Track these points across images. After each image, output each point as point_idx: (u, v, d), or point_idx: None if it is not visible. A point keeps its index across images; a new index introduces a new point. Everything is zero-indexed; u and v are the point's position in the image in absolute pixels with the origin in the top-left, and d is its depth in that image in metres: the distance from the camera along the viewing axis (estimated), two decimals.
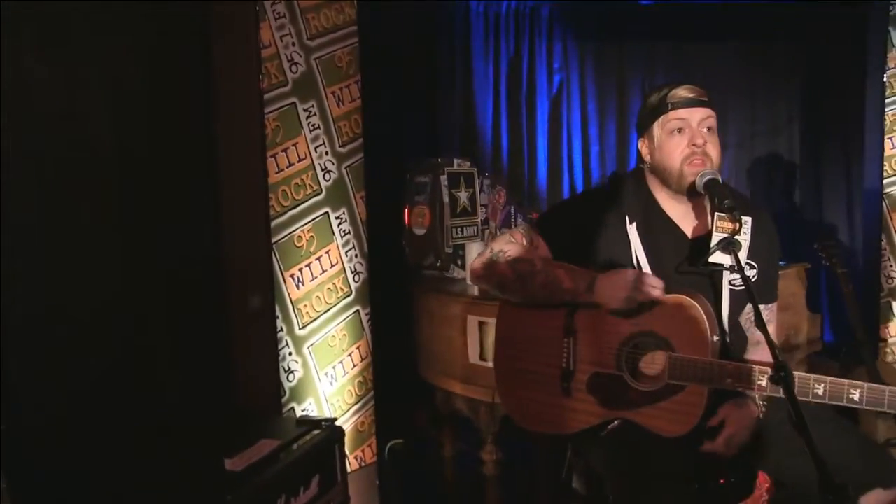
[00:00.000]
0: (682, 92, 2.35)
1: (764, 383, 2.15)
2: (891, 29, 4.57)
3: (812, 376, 2.09)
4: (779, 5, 5.36)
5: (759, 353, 2.38)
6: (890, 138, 4.59)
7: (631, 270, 2.28)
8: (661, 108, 2.35)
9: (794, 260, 3.95)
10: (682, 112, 2.34)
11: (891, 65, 4.59)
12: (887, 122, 4.58)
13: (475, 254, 3.86)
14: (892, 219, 4.57)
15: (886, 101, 4.59)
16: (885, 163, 4.58)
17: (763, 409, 2.31)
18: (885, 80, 4.60)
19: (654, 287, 2.22)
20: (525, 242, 2.44)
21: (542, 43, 5.28)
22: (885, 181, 4.58)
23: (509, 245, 2.45)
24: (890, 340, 4.60)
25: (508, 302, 2.50)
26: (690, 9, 5.35)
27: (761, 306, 2.19)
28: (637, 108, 5.47)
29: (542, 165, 5.35)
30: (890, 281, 4.62)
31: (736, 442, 2.27)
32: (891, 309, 4.62)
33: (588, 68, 5.37)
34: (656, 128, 2.36)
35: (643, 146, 2.41)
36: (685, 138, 2.34)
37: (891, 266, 4.61)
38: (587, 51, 5.39)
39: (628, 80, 5.45)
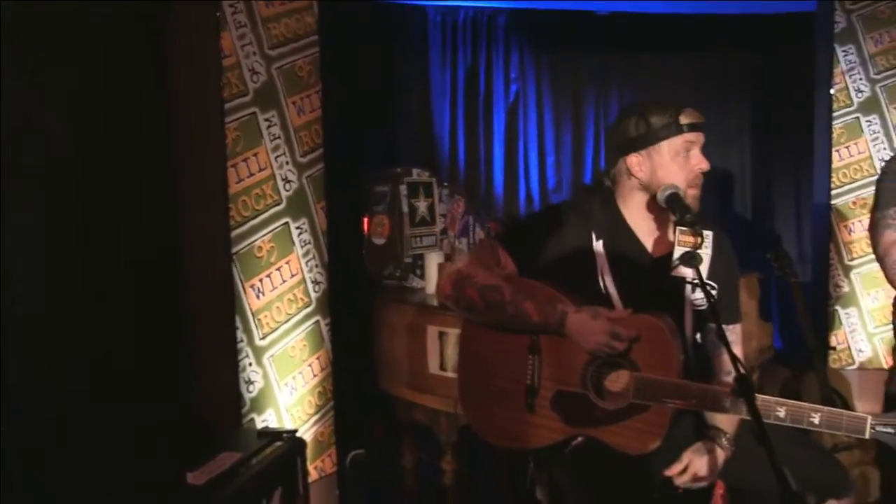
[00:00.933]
0: (693, 116, 2.36)
1: (728, 404, 2.17)
2: (836, 45, 4.66)
3: (774, 399, 2.12)
4: (730, 17, 5.43)
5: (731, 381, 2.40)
6: (837, 151, 4.67)
7: (603, 315, 2.28)
8: (673, 130, 2.34)
9: (745, 270, 3.98)
10: (691, 135, 2.36)
11: (837, 80, 4.68)
12: (834, 135, 4.67)
13: (434, 263, 3.87)
14: (839, 229, 4.65)
15: (833, 114, 4.68)
16: (832, 175, 4.66)
17: (730, 451, 2.33)
18: (832, 93, 4.68)
19: (627, 336, 2.25)
20: (492, 263, 2.43)
21: (498, 52, 5.30)
22: (832, 192, 4.66)
23: (476, 267, 2.43)
24: (838, 347, 4.68)
25: (472, 320, 2.49)
26: (643, 19, 5.41)
27: (725, 327, 2.21)
28: (592, 118, 5.54)
29: (499, 174, 5.37)
30: (837, 290, 4.69)
31: (699, 483, 2.31)
32: (838, 317, 4.70)
33: (544, 78, 5.40)
34: (664, 147, 2.35)
35: (636, 163, 2.39)
36: (690, 160, 2.36)
37: (838, 275, 4.69)
38: (543, 61, 5.42)
39: (583, 90, 5.49)
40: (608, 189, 2.49)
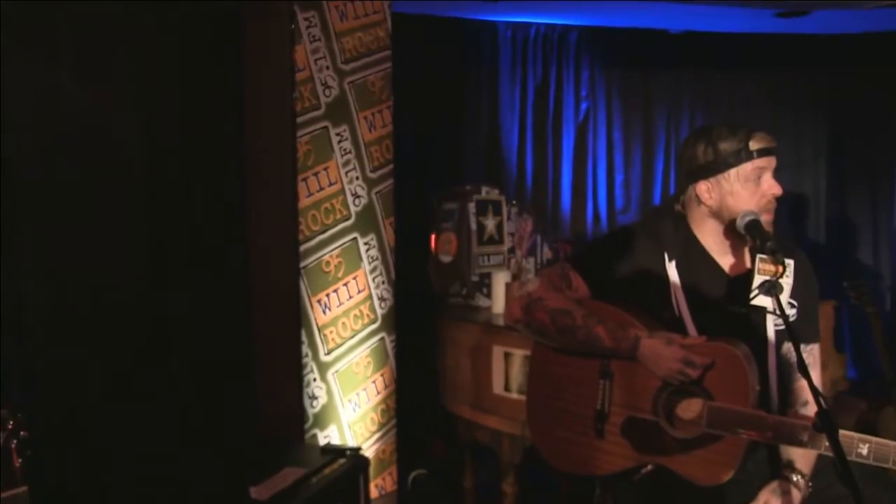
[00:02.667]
0: (764, 140, 2.32)
1: (805, 438, 2.12)
2: None
3: (857, 436, 2.05)
4: (806, 36, 5.34)
5: (807, 412, 2.35)
6: None
7: (676, 342, 2.25)
8: (743, 156, 2.30)
9: (819, 297, 3.91)
10: (762, 161, 2.31)
11: None
12: None
13: (501, 282, 3.86)
14: None
15: None
16: None
17: (809, 491, 2.27)
18: None
19: (700, 363, 2.21)
20: (564, 286, 2.41)
21: (569, 70, 5.28)
22: None
23: (548, 291, 2.41)
24: None
25: (542, 343, 2.48)
26: (717, 38, 5.35)
27: (803, 346, 2.16)
28: (662, 137, 5.48)
29: (567, 193, 5.34)
30: None
31: None
32: None
33: (615, 96, 5.36)
34: (732, 174, 2.32)
35: (705, 190, 2.36)
36: (761, 186, 2.32)
37: None
38: (614, 79, 5.39)
39: (654, 109, 5.44)
40: (679, 212, 2.46)
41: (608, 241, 2.72)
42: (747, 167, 2.30)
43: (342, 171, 3.50)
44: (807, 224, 5.62)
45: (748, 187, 2.31)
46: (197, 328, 3.01)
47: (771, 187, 2.32)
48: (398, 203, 3.71)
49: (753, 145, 2.30)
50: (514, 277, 4.09)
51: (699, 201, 2.37)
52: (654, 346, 2.25)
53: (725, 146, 2.30)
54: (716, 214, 2.36)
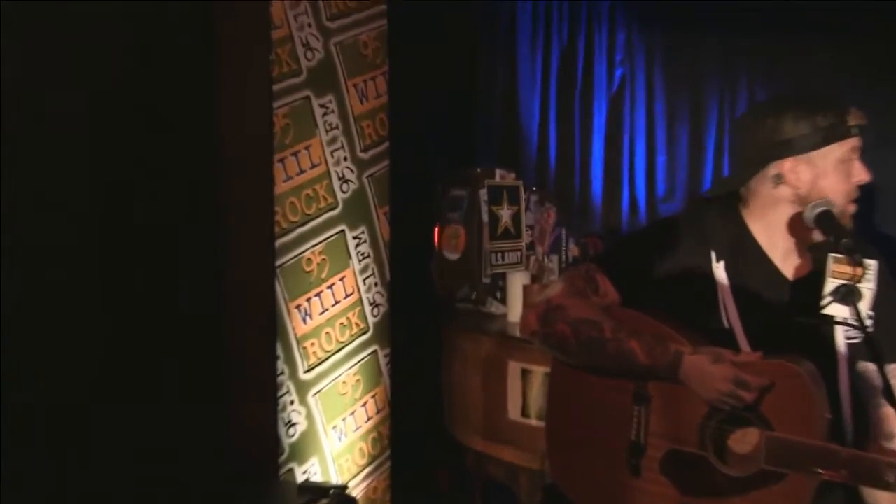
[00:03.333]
0: (859, 117, 2.27)
1: (892, 479, 2.07)
2: None
3: None
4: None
5: (893, 446, 2.31)
6: None
7: (727, 359, 2.20)
8: (842, 132, 2.26)
9: None
10: (856, 140, 2.28)
11: None
12: None
13: (519, 285, 3.87)
14: None
15: None
16: None
17: None
18: None
19: (756, 385, 2.17)
20: (589, 291, 2.38)
21: (601, 32, 5.22)
22: None
23: (570, 297, 2.38)
24: None
25: (563, 360, 2.45)
26: None
27: (887, 367, 2.12)
28: (715, 110, 5.44)
29: (598, 178, 5.28)
30: None
31: None
32: None
33: (657, 62, 5.29)
34: (829, 152, 2.28)
35: (791, 169, 2.30)
36: (852, 170, 2.28)
37: None
38: (656, 41, 5.32)
39: (705, 76, 5.38)
40: (731, 200, 2.43)
41: (643, 237, 2.69)
42: (845, 146, 2.26)
43: (327, 151, 3.49)
44: (890, 216, 5.56)
45: (840, 170, 2.27)
46: (154, 338, 2.99)
47: (860, 173, 2.28)
48: (395, 189, 3.71)
49: (852, 120, 2.26)
50: (535, 279, 4.10)
51: (777, 183, 2.32)
52: (700, 364, 2.21)
53: (823, 118, 2.26)
54: (799, 200, 2.31)
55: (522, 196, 4.20)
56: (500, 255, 4.13)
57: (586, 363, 2.36)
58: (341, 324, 3.55)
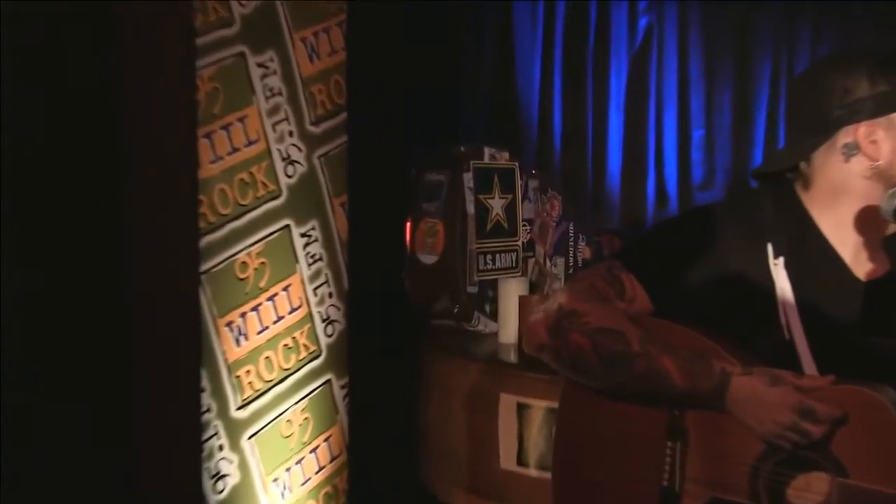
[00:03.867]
0: None
1: None
2: None
3: None
4: None
5: None
6: None
7: (787, 381, 2.19)
8: None
9: None
10: None
11: None
12: None
13: (514, 296, 3.96)
14: None
15: None
16: None
17: None
18: None
19: (826, 416, 2.14)
20: (612, 294, 2.37)
21: None
22: None
23: (589, 302, 2.37)
24: None
25: (579, 382, 2.44)
26: None
27: None
28: (767, 72, 5.44)
29: (615, 158, 5.33)
30: None
31: None
32: None
33: (692, 13, 5.32)
34: None
35: (865, 136, 2.29)
36: None
37: None
38: None
39: (753, 33, 5.40)
40: (786, 180, 2.41)
41: (680, 226, 2.67)
42: None
43: (267, 123, 3.48)
44: None
45: None
46: (40, 364, 2.98)
47: None
48: (354, 173, 3.72)
49: None
50: (534, 288, 4.17)
51: (848, 155, 2.30)
52: (753, 388, 2.19)
53: None
54: (878, 176, 2.30)
55: (519, 182, 4.27)
56: (489, 257, 4.16)
57: (607, 385, 2.35)
58: (285, 346, 3.55)
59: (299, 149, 3.56)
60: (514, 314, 3.90)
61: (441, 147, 4.26)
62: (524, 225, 4.25)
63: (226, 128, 3.39)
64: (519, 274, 4.18)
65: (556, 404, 2.53)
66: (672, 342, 2.28)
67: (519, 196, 4.20)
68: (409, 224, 4.27)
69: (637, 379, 2.29)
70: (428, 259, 4.19)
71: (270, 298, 3.51)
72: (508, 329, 3.93)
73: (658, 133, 5.41)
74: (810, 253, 2.35)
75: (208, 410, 3.38)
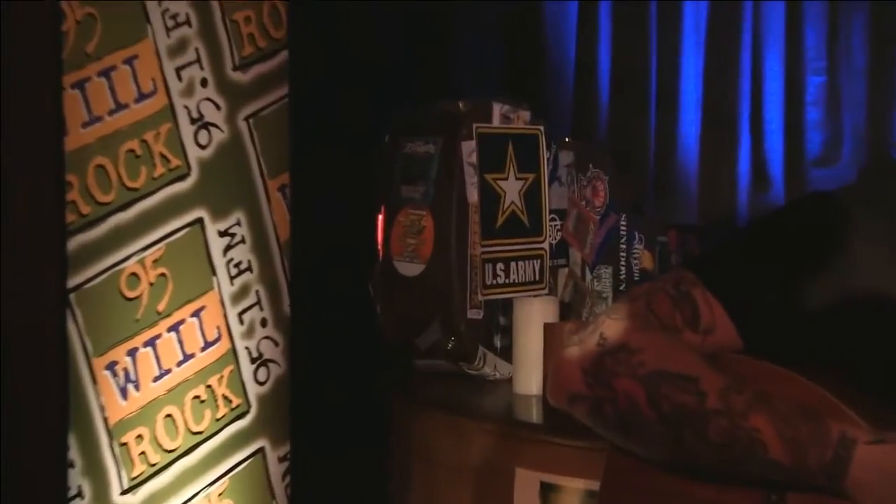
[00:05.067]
0: None
1: None
2: None
3: None
4: None
5: None
6: None
7: None
8: None
9: None
10: None
11: None
12: None
13: (537, 325, 3.86)
14: None
15: None
16: None
17: None
18: None
19: None
20: (681, 321, 2.34)
21: None
22: None
23: (644, 333, 2.34)
24: None
25: (630, 451, 2.43)
26: None
27: None
28: None
29: (691, 119, 5.30)
30: None
31: None
32: None
33: None
34: None
35: None
36: None
37: None
38: None
39: None
40: None
41: (785, 228, 2.66)
42: None
43: (168, 67, 3.55)
44: None
45: None
46: None
47: None
48: (300, 142, 3.78)
49: None
50: (567, 312, 4.15)
51: None
52: (887, 463, 2.18)
53: None
54: None
55: (545, 155, 4.20)
56: (500, 266, 4.10)
57: (670, 456, 2.36)
58: (196, 398, 3.60)
59: (217, 106, 3.61)
60: (538, 351, 3.85)
61: (429, 103, 4.24)
62: (552, 219, 4.22)
63: (106, 74, 3.44)
64: (545, 291, 4.14)
65: (596, 484, 2.54)
66: (768, 393, 2.27)
67: (545, 176, 4.17)
68: (380, 217, 4.23)
69: (715, 447, 2.27)
70: (409, 269, 4.14)
71: (174, 328, 3.57)
72: (528, 373, 3.89)
73: (755, 82, 5.41)
74: None
75: (79, 495, 3.40)
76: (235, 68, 3.61)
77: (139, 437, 3.48)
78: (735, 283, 2.39)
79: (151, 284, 3.50)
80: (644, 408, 2.30)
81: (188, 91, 3.54)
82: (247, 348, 3.65)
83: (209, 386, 3.59)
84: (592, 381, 2.35)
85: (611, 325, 2.38)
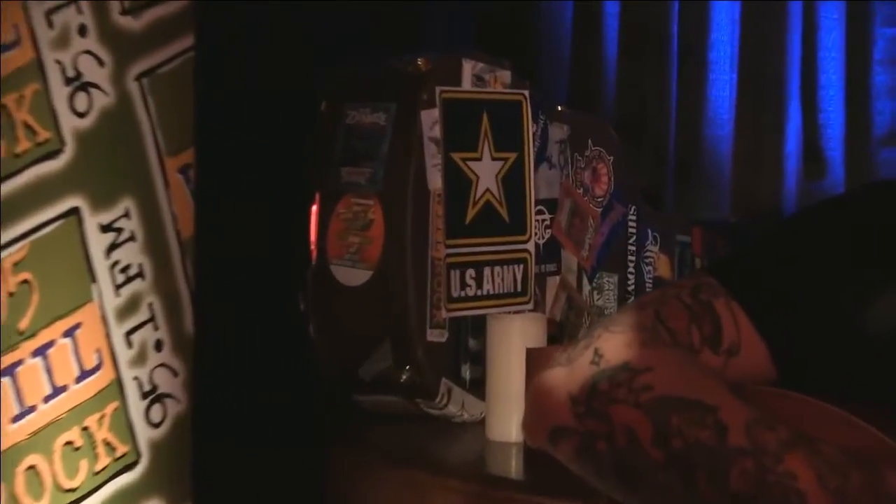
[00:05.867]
0: None
1: None
2: None
3: None
4: None
5: None
6: None
7: None
8: None
9: None
10: None
11: None
12: None
13: (516, 349, 3.81)
14: None
15: None
16: None
17: None
18: None
19: None
20: (698, 338, 2.31)
21: None
22: None
23: (652, 350, 2.31)
24: None
25: None
26: None
27: None
28: None
29: (723, 83, 5.31)
30: None
31: None
32: None
33: None
34: None
35: None
36: None
37: None
38: None
39: None
40: None
41: (840, 226, 2.64)
42: None
43: (33, 11, 3.53)
44: None
45: None
46: None
47: None
48: (208, 110, 3.77)
49: None
50: (556, 332, 4.13)
51: None
52: None
53: None
54: None
55: (530, 128, 4.18)
56: (471, 272, 4.10)
57: None
58: (69, 445, 3.57)
59: (100, 61, 3.60)
60: (518, 385, 3.83)
61: (380, 60, 4.20)
62: (540, 211, 4.17)
63: None
64: (529, 306, 4.13)
65: None
66: (808, 432, 2.26)
67: (530, 156, 4.14)
68: (315, 208, 4.20)
69: (737, 499, 2.29)
70: (352, 276, 4.06)
71: (39, 352, 3.56)
72: (506, 414, 3.84)
73: (807, 34, 5.43)
74: None
75: None
76: (124, 12, 3.60)
77: None
78: (770, 292, 2.39)
79: (11, 295, 3.48)
80: (648, 445, 2.27)
81: (61, 42, 3.54)
82: (136, 379, 3.63)
83: (86, 428, 3.57)
84: (583, 410, 2.32)
85: (608, 340, 2.36)
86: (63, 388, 3.54)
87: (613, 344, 2.33)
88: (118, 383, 3.58)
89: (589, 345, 2.35)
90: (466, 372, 4.05)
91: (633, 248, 4.27)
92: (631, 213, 4.29)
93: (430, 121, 4.03)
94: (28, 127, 3.47)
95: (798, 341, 2.35)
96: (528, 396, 2.46)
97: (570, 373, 2.34)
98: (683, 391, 2.25)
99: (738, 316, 2.33)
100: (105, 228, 3.57)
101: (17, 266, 3.47)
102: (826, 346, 2.34)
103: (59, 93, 3.52)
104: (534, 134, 4.16)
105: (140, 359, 3.62)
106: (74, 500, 3.56)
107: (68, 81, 3.54)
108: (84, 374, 3.56)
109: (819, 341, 2.34)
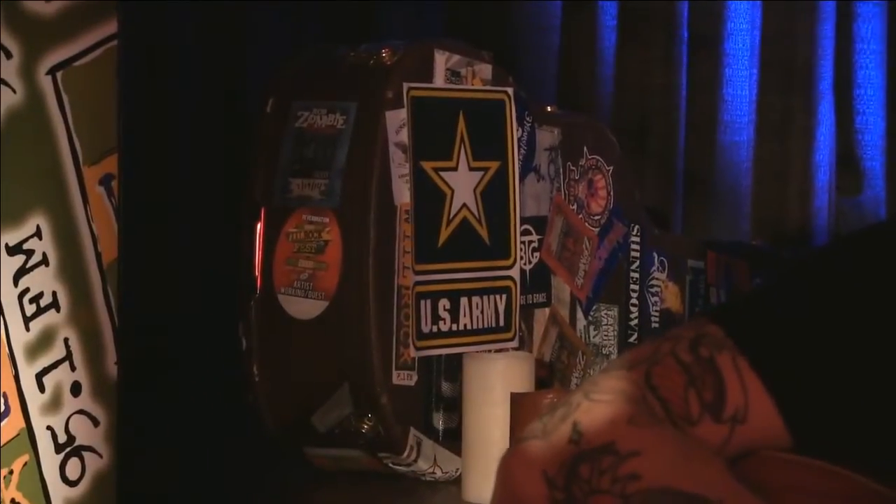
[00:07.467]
0: None
1: None
2: None
3: None
4: None
5: None
6: None
7: None
8: None
9: None
10: None
11: None
12: None
13: (499, 394, 3.83)
14: None
15: None
16: None
17: None
18: None
19: None
20: (697, 406, 2.36)
21: None
22: None
23: (640, 427, 2.36)
24: None
25: None
26: None
27: None
28: None
29: (742, 80, 5.35)
30: None
31: None
32: None
33: None
34: None
35: None
36: None
37: None
38: None
39: None
40: None
41: (874, 263, 2.67)
42: None
43: None
44: None
45: None
46: None
47: None
48: (134, 109, 3.83)
49: None
50: (552, 375, 4.12)
51: None
52: None
53: None
54: None
55: (515, 132, 4.20)
56: (444, 303, 4.12)
57: None
58: None
59: (6, 52, 3.60)
60: (501, 437, 3.89)
61: (337, 50, 4.24)
62: (526, 231, 4.21)
63: None
64: (513, 343, 4.20)
65: None
66: None
67: (515, 166, 4.17)
68: (259, 227, 4.24)
69: None
70: (303, 307, 4.17)
71: None
72: (485, 471, 3.87)
73: (842, 22, 5.49)
74: None
75: None
76: None
77: None
78: (785, 345, 2.37)
79: None
80: None
81: None
82: (50, 429, 3.63)
83: None
84: (561, 497, 2.36)
85: (589, 412, 2.34)
86: None
87: (595, 418, 2.32)
88: (28, 434, 3.58)
89: (566, 416, 2.34)
90: (439, 421, 4.06)
91: (636, 275, 4.29)
92: (633, 233, 4.30)
93: (397, 123, 4.06)
94: None
95: (818, 404, 2.38)
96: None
97: (546, 448, 2.35)
98: (679, 482, 2.27)
99: (746, 374, 2.32)
100: (12, 250, 3.56)
101: None
102: (851, 409, 2.36)
103: None
104: (519, 139, 4.18)
105: (54, 405, 3.60)
106: None
107: None
108: None
109: (843, 404, 2.36)
